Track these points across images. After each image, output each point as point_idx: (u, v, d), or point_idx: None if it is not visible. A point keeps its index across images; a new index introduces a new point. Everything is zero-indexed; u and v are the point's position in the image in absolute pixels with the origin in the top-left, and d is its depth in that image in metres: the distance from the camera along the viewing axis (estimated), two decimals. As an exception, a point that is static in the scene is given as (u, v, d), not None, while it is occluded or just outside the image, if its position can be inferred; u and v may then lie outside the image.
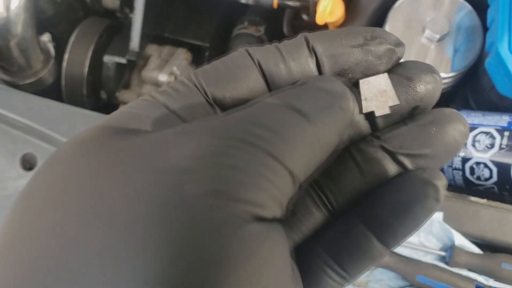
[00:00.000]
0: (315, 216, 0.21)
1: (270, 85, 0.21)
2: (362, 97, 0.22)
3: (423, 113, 0.21)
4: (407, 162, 0.21)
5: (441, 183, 0.20)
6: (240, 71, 0.21)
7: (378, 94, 0.22)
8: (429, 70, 0.21)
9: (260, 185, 0.17)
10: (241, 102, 0.21)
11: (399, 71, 0.22)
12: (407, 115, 0.22)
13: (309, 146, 0.18)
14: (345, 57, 0.21)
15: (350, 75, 0.21)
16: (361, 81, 0.22)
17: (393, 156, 0.21)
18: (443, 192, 0.20)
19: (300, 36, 0.21)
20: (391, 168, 0.21)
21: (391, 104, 0.21)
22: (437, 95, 0.22)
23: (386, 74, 0.22)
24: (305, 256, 0.21)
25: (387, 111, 0.21)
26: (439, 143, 0.21)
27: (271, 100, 0.19)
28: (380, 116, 0.22)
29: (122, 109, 0.20)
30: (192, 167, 0.17)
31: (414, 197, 0.19)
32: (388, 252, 0.20)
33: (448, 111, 0.21)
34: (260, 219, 0.17)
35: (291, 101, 0.19)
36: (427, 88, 0.21)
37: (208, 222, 0.16)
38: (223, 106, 0.21)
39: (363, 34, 0.21)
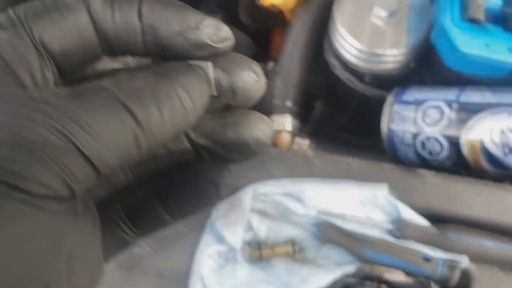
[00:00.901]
0: (120, 178, 0.23)
1: (100, 36, 0.21)
2: None
3: (232, 111, 0.23)
4: (204, 154, 0.23)
5: (221, 180, 0.23)
6: (70, 13, 0.20)
7: None
8: (251, 68, 0.22)
9: (47, 166, 0.17)
10: (70, 53, 0.21)
11: (221, 63, 0.22)
12: (221, 108, 0.23)
13: (125, 139, 0.19)
14: (165, 36, 0.21)
15: (167, 52, 0.22)
16: None
17: (193, 145, 0.23)
18: (221, 189, 0.23)
19: None
20: (191, 155, 0.23)
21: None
22: (255, 94, 0.22)
23: (210, 63, 0.22)
24: (108, 211, 0.23)
25: None
26: (234, 143, 0.22)
27: (103, 84, 0.19)
28: None
29: None
30: None
31: (199, 187, 0.23)
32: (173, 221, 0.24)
33: (253, 114, 0.23)
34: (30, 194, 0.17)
35: (122, 92, 0.19)
36: (245, 86, 0.22)
37: None
38: (51, 54, 0.20)
39: (192, 19, 0.21)
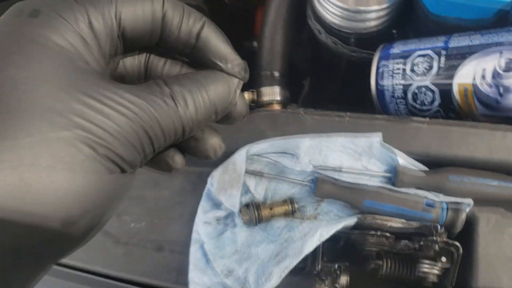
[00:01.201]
0: None
1: (162, 33, 0.27)
2: None
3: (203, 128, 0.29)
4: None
5: (174, 167, 0.30)
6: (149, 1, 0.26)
7: None
8: (246, 105, 0.30)
9: (134, 150, 0.24)
10: (136, 38, 0.26)
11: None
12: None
13: (173, 131, 0.25)
14: (207, 60, 0.28)
15: (203, 67, 0.28)
16: None
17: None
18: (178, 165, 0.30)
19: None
20: None
21: None
22: (236, 121, 0.30)
23: (241, 83, 0.29)
24: None
25: None
26: (192, 150, 0.30)
27: (164, 89, 0.25)
28: None
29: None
30: None
31: (157, 165, 0.30)
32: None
33: (214, 137, 0.30)
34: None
35: (175, 89, 0.25)
36: (238, 114, 0.30)
37: None
38: (124, 34, 0.25)
39: (231, 58, 0.28)
